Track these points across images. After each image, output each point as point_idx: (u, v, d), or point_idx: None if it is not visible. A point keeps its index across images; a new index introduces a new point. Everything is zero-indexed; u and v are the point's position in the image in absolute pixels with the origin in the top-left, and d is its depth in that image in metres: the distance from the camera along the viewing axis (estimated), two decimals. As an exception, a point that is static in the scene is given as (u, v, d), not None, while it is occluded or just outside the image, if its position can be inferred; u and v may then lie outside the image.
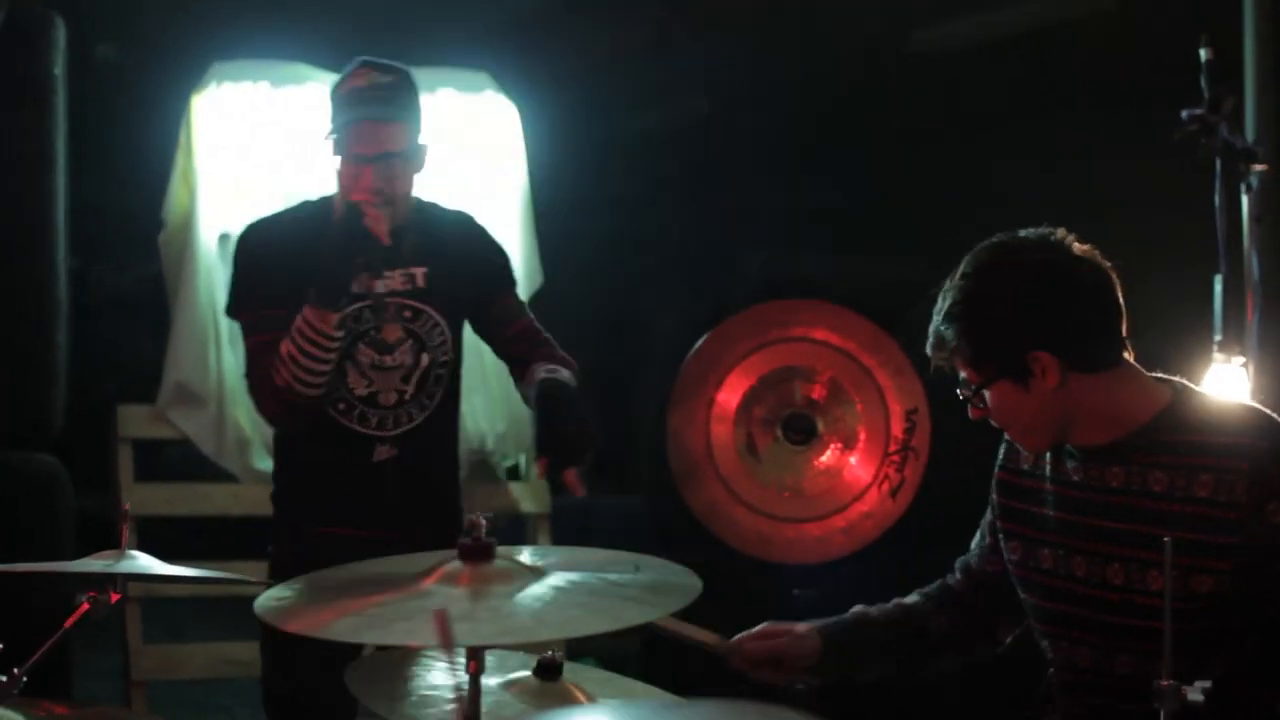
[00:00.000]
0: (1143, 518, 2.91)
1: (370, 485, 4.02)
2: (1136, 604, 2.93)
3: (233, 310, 4.09)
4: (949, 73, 7.29)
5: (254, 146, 6.30)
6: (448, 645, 1.76)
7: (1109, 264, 2.98)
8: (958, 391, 3.08)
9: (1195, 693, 2.37)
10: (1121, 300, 2.97)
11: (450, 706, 2.17)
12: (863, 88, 7.57)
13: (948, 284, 3.01)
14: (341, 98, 3.92)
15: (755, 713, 1.60)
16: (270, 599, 2.35)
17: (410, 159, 3.99)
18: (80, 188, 5.96)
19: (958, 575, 3.40)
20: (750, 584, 4.28)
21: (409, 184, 4.02)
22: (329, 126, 3.95)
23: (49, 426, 5.72)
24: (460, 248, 4.15)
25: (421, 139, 4.03)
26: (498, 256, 4.27)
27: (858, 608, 3.39)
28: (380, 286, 3.93)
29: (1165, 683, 2.37)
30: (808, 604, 4.34)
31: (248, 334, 4.03)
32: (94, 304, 6.88)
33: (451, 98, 6.61)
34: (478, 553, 2.38)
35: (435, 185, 6.45)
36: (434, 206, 4.21)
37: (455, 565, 2.38)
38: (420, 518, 4.01)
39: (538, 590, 2.32)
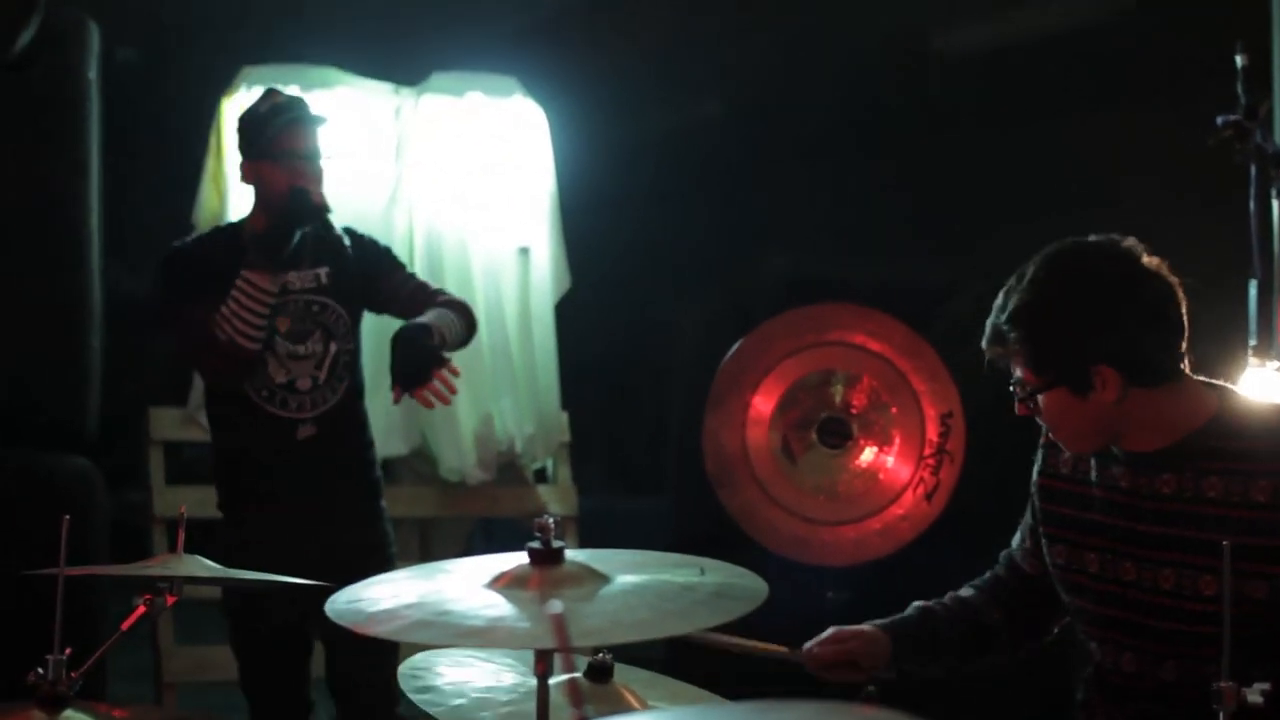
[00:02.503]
0: (1197, 523, 2.91)
1: (295, 463, 4.58)
2: (1187, 610, 2.94)
3: (165, 321, 4.67)
4: (973, 75, 7.29)
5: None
6: (564, 647, 1.78)
7: (1177, 279, 2.99)
8: (1010, 387, 3.08)
9: (1254, 694, 2.38)
10: (1185, 315, 2.98)
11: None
12: (888, 89, 7.57)
13: (1014, 282, 3.01)
14: (265, 113, 4.56)
15: (843, 714, 1.62)
16: (345, 602, 2.37)
17: (323, 166, 4.58)
18: (112, 191, 5.98)
19: (1003, 568, 3.42)
20: (782, 586, 4.29)
21: (322, 185, 4.58)
22: (253, 145, 4.55)
23: (83, 428, 5.74)
24: (350, 250, 4.72)
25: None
26: (379, 248, 4.87)
27: (919, 603, 3.42)
28: (294, 285, 4.56)
29: (1224, 684, 2.38)
30: (841, 606, 4.36)
31: (180, 325, 4.57)
32: (125, 307, 6.88)
33: (479, 102, 6.63)
34: (547, 556, 2.40)
35: (465, 188, 6.54)
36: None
37: (524, 568, 2.40)
38: (340, 491, 4.66)
39: (609, 593, 2.34)
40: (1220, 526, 2.86)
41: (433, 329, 4.53)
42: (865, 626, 3.35)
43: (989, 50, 7.27)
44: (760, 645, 3.32)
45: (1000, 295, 3.04)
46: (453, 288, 6.44)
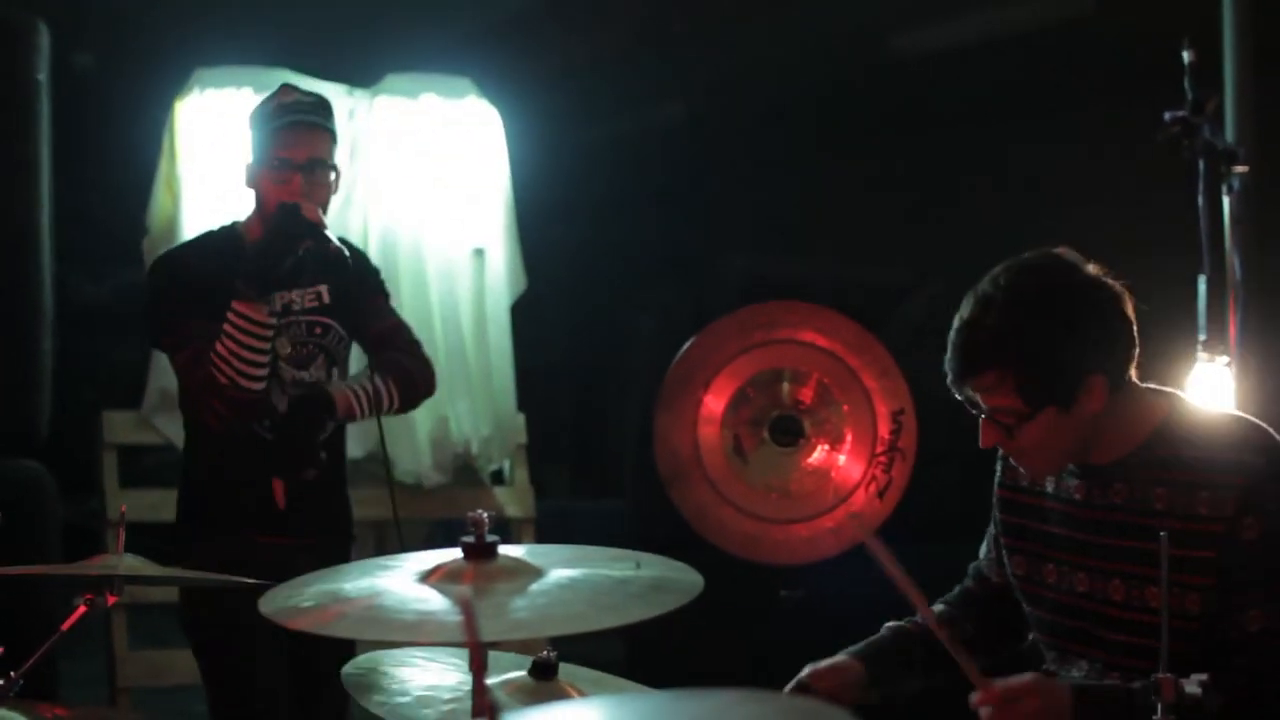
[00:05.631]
0: (1144, 535, 2.90)
1: (296, 495, 4.21)
2: (1135, 621, 2.94)
3: (158, 336, 4.28)
4: (929, 76, 7.31)
5: (237, 152, 6.29)
6: (473, 635, 1.77)
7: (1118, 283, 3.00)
8: (992, 419, 3.00)
9: (1193, 686, 2.38)
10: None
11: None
12: (842, 91, 7.58)
13: (977, 313, 2.96)
14: (268, 112, 4.13)
15: (761, 701, 1.61)
16: (278, 599, 2.36)
17: (330, 174, 4.16)
18: (63, 194, 5.95)
19: (972, 580, 3.42)
20: (737, 586, 4.29)
21: (326, 202, 4.17)
22: (252, 148, 4.16)
23: (35, 433, 5.71)
24: (349, 267, 4.24)
25: (337, 161, 4.22)
26: (369, 271, 4.45)
27: (891, 624, 3.40)
28: (296, 304, 4.17)
29: (1162, 675, 2.38)
30: (794, 605, 4.36)
31: (176, 352, 4.13)
32: (77, 310, 6.85)
33: (434, 103, 6.62)
34: (481, 551, 2.39)
35: (419, 190, 6.54)
36: None
37: (459, 563, 2.39)
38: (330, 524, 4.37)
39: (542, 587, 2.33)
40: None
41: (339, 404, 4.19)
42: (839, 658, 3.32)
43: (944, 52, 7.29)
44: None
45: (956, 334, 2.99)
46: (407, 289, 6.44)
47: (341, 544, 4.37)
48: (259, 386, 4.04)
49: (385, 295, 4.49)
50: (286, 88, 4.21)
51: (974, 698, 2.81)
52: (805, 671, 3.30)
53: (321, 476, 4.22)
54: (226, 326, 3.97)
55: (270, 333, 4.02)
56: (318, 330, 4.23)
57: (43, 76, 5.75)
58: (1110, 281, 2.97)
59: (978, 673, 2.84)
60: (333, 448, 4.31)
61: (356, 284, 4.31)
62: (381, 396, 4.28)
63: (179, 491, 4.36)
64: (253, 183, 4.18)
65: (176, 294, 4.14)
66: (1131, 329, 2.98)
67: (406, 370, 4.38)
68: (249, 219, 4.24)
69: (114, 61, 7.89)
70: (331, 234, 4.10)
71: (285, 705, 4.21)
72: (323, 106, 4.20)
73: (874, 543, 2.97)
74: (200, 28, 7.03)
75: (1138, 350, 2.99)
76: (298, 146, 4.08)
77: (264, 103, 4.17)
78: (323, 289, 4.25)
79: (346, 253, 4.13)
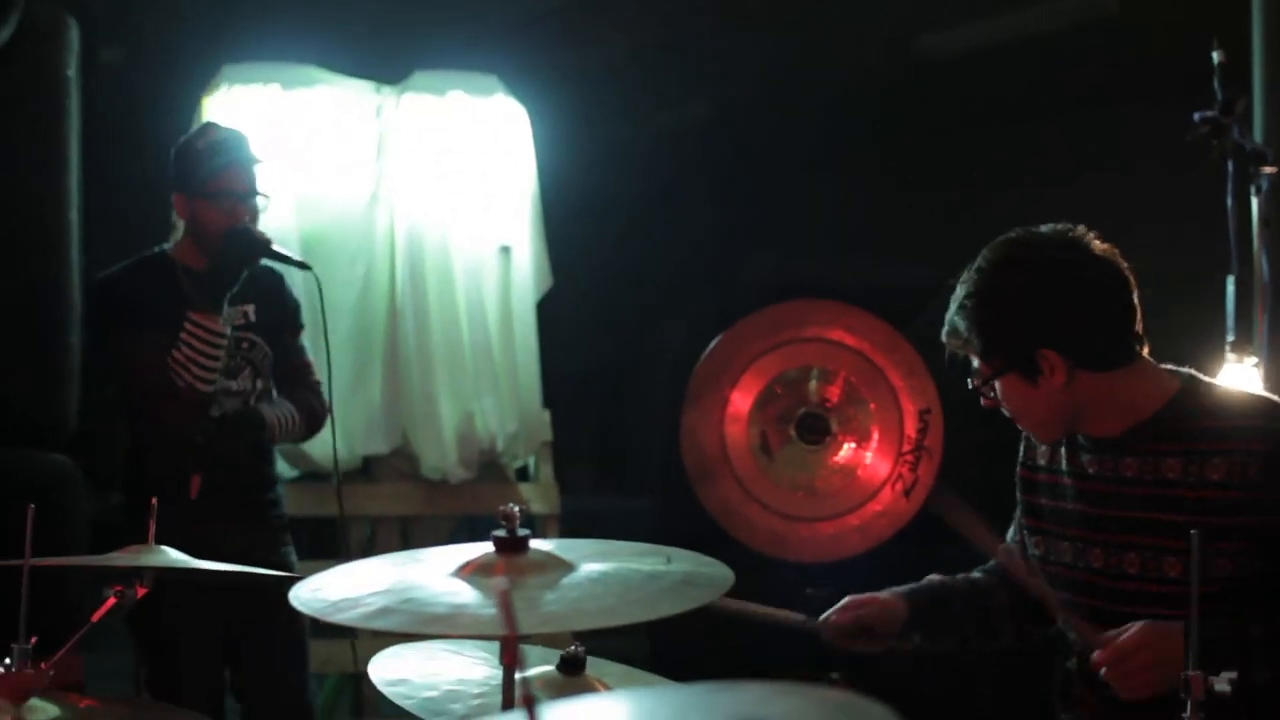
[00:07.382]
0: (1158, 505, 2.94)
1: (220, 491, 4.57)
2: (1152, 592, 2.96)
3: (99, 353, 4.69)
4: (957, 76, 7.30)
5: (264, 149, 6.31)
6: (512, 626, 1.77)
7: (1126, 264, 3.01)
8: (968, 381, 3.12)
9: (1222, 683, 2.38)
10: (1136, 300, 3.00)
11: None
12: (873, 90, 7.58)
13: (965, 275, 3.05)
14: (203, 150, 4.57)
15: (792, 693, 1.61)
16: (307, 592, 2.36)
17: (257, 198, 4.61)
18: (92, 190, 5.96)
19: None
20: (763, 584, 4.29)
21: (257, 219, 4.62)
22: (188, 183, 4.56)
23: (63, 427, 5.72)
24: (271, 290, 4.81)
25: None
26: (292, 304, 4.92)
27: (934, 576, 3.45)
28: (227, 321, 4.54)
29: (1192, 673, 2.38)
30: (821, 603, 4.36)
31: (124, 363, 4.63)
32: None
33: (461, 100, 6.62)
34: (512, 544, 2.39)
35: (446, 187, 6.53)
36: None
37: (490, 556, 2.40)
38: (259, 523, 4.74)
39: (573, 581, 2.34)
40: (1179, 507, 2.88)
41: (269, 426, 4.63)
42: (881, 594, 3.41)
43: (974, 52, 7.28)
44: (779, 613, 3.35)
45: (957, 288, 3.07)
46: (434, 286, 6.45)
47: (271, 540, 4.76)
48: (211, 389, 4.48)
49: (300, 329, 4.91)
50: (210, 126, 4.70)
51: (1094, 657, 2.86)
52: (845, 600, 3.36)
53: (244, 476, 4.66)
54: (184, 335, 4.41)
55: (223, 340, 4.47)
56: (245, 345, 4.67)
57: (72, 73, 5.76)
58: (1104, 260, 2.99)
59: (1090, 629, 2.88)
60: (262, 455, 4.76)
61: (279, 309, 4.82)
62: (296, 427, 4.78)
63: (121, 484, 4.83)
64: (187, 212, 4.61)
65: (121, 313, 4.59)
66: (1115, 310, 3.00)
67: (314, 410, 4.85)
68: (180, 244, 4.70)
69: (143, 58, 7.89)
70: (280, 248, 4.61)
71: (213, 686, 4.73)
72: (247, 140, 4.65)
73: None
74: (229, 24, 7.04)
75: (1128, 333, 3.00)
76: (236, 180, 4.56)
77: (193, 142, 4.61)
78: (249, 308, 4.69)
79: (273, 281, 4.77)
